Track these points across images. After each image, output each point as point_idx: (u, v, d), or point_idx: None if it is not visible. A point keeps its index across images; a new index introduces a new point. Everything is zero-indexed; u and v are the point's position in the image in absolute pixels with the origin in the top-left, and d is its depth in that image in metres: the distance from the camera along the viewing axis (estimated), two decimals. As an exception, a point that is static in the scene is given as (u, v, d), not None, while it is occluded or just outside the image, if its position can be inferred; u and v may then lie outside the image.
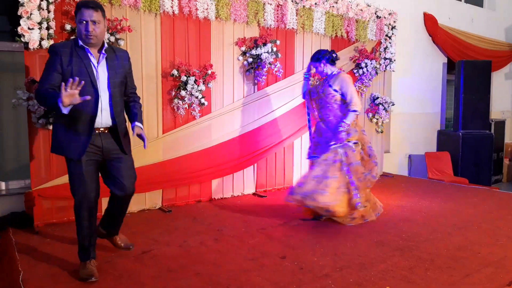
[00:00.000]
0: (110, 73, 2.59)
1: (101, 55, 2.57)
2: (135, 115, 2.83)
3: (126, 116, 2.83)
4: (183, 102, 4.24)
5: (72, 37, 3.51)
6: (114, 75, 2.61)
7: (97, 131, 2.58)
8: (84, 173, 2.55)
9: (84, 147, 2.51)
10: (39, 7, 3.39)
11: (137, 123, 2.78)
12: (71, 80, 2.26)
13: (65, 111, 2.30)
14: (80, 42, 2.52)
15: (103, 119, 2.58)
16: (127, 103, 2.85)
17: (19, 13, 3.35)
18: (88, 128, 2.52)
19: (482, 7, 8.36)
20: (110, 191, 2.75)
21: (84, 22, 2.47)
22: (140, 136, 2.75)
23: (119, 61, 2.67)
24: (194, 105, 4.32)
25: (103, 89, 2.57)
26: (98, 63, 2.57)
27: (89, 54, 2.53)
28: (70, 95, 2.25)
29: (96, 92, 2.52)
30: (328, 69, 3.92)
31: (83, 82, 2.31)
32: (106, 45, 2.61)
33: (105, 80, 2.57)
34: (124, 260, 2.87)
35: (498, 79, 8.55)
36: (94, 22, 2.47)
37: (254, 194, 4.95)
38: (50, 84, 2.43)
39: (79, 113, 2.48)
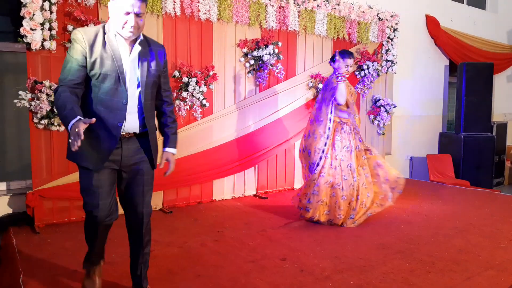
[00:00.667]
0: (142, 71, 2.15)
1: (134, 48, 2.13)
2: (167, 136, 2.36)
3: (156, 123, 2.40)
4: (185, 103, 4.24)
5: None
6: (147, 73, 2.16)
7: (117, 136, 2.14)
8: (96, 184, 2.13)
9: (105, 157, 2.11)
10: (42, 8, 3.41)
11: (168, 149, 2.34)
12: (92, 120, 1.86)
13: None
14: (112, 30, 2.08)
15: (128, 123, 2.13)
16: (158, 112, 2.38)
17: (21, 14, 3.36)
18: (112, 134, 2.09)
19: (485, 9, 8.35)
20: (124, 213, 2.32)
21: (127, 13, 2.02)
22: (168, 161, 2.34)
23: (153, 58, 2.21)
24: (195, 106, 4.32)
25: (132, 89, 2.13)
26: (129, 56, 2.14)
27: (120, 46, 2.09)
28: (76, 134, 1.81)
29: (123, 92, 2.09)
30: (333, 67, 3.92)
31: (94, 120, 1.87)
32: (141, 37, 2.15)
33: (135, 79, 2.14)
34: (125, 261, 2.87)
35: (500, 81, 8.53)
36: (138, 14, 2.04)
37: (255, 195, 4.95)
38: (71, 81, 2.02)
39: (103, 115, 2.07)
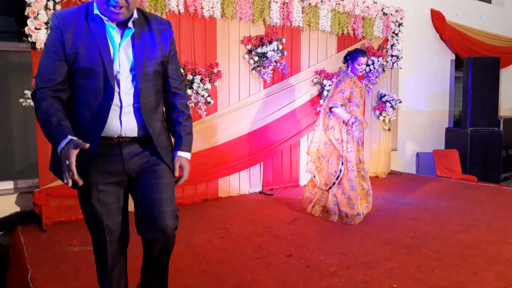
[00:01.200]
0: (137, 60, 1.66)
1: (126, 31, 1.66)
2: (179, 137, 1.85)
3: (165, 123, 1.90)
4: (189, 101, 4.24)
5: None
6: (145, 62, 1.67)
7: (115, 140, 1.70)
8: (96, 204, 1.71)
9: (86, 165, 1.64)
10: (46, 7, 3.42)
11: (181, 153, 1.83)
12: (86, 145, 1.51)
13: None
14: (96, 10, 1.61)
15: (126, 125, 1.69)
16: (167, 106, 1.89)
17: (26, 13, 3.37)
18: (93, 137, 1.64)
19: (490, 3, 8.27)
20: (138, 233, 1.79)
21: None
22: (181, 168, 1.84)
23: (154, 40, 1.71)
24: (200, 103, 4.32)
25: (125, 85, 1.66)
26: (120, 42, 1.65)
27: (109, 29, 1.63)
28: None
29: (111, 89, 1.62)
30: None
31: (87, 145, 1.51)
32: (135, 15, 1.66)
33: (127, 70, 1.66)
34: (130, 259, 2.88)
35: (507, 75, 8.45)
36: None
37: (260, 192, 4.95)
38: (50, 80, 1.59)
39: (88, 121, 1.66)
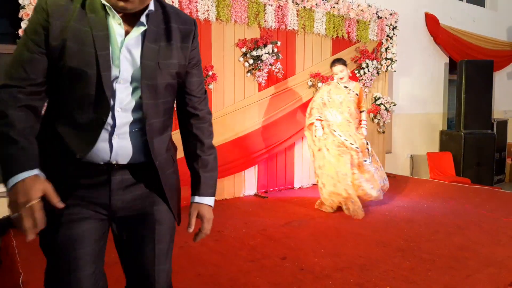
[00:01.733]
0: (145, 66, 1.21)
1: (137, 26, 1.20)
2: (197, 176, 1.42)
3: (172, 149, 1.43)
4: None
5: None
6: (157, 70, 1.23)
7: (102, 166, 1.23)
8: (63, 244, 1.23)
9: (65, 194, 1.17)
10: (40, 10, 3.40)
11: (199, 199, 1.43)
12: (59, 205, 1.09)
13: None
14: None
15: (118, 150, 1.22)
16: (184, 131, 1.42)
17: (20, 16, 3.36)
18: (72, 162, 1.20)
19: (484, 6, 8.34)
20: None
21: None
22: (200, 219, 1.44)
23: (172, 42, 1.26)
24: (195, 106, 4.32)
25: (123, 96, 1.20)
26: (123, 40, 1.19)
27: (111, 21, 1.18)
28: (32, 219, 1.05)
29: (105, 100, 1.17)
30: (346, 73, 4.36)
31: (62, 205, 1.09)
32: (151, 6, 1.21)
33: (129, 78, 1.20)
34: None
35: (500, 78, 8.52)
36: None
37: (255, 195, 4.95)
38: (24, 80, 1.13)
39: (65, 133, 1.20)
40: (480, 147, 6.69)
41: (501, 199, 4.78)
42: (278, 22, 4.86)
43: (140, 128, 1.24)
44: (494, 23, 8.23)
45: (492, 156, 6.77)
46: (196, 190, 1.42)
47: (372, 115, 5.95)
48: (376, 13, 5.76)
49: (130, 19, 1.20)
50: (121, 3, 1.13)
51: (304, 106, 5.20)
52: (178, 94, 1.35)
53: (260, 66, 4.72)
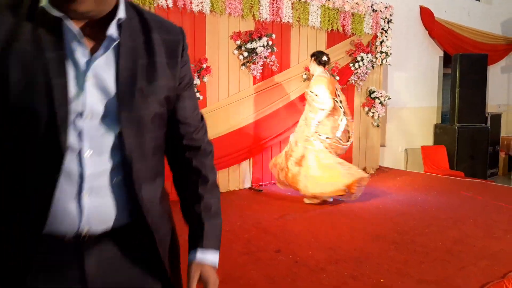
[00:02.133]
0: (121, 91, 0.88)
1: (106, 41, 0.86)
2: (198, 223, 1.10)
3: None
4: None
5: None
6: (140, 99, 0.90)
7: (68, 239, 0.88)
8: None
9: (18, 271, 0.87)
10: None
11: (201, 256, 1.11)
12: None
13: None
14: (44, 0, 0.82)
15: (92, 211, 0.88)
16: (177, 171, 1.10)
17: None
18: (29, 232, 0.86)
19: (479, 0, 8.34)
20: None
21: None
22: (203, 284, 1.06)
23: (156, 59, 0.93)
24: (189, 99, 4.30)
25: (93, 136, 0.87)
26: (89, 61, 0.85)
27: (68, 36, 0.83)
28: None
29: (58, 145, 0.83)
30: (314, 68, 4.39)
31: None
32: (122, 13, 0.88)
33: (99, 110, 0.86)
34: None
35: (494, 72, 8.54)
36: None
37: (250, 188, 4.95)
38: None
39: (8, 195, 0.88)
40: (474, 140, 6.71)
41: (495, 192, 4.81)
42: (273, 15, 4.82)
43: (123, 177, 0.91)
44: (488, 17, 8.24)
45: (485, 150, 6.80)
46: (196, 241, 1.09)
47: (366, 108, 5.95)
48: (371, 6, 5.74)
49: (96, 32, 0.86)
50: (69, 5, 0.80)
51: (299, 99, 5.20)
52: (168, 126, 1.01)
53: (255, 59, 4.70)
